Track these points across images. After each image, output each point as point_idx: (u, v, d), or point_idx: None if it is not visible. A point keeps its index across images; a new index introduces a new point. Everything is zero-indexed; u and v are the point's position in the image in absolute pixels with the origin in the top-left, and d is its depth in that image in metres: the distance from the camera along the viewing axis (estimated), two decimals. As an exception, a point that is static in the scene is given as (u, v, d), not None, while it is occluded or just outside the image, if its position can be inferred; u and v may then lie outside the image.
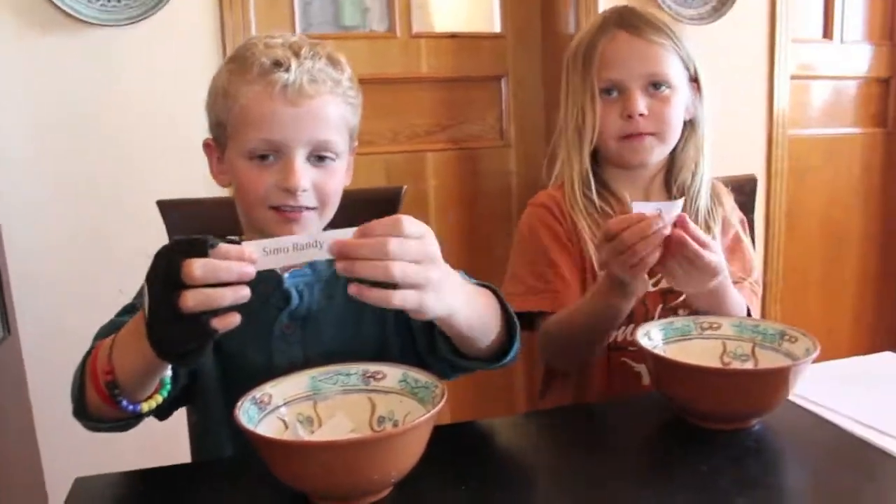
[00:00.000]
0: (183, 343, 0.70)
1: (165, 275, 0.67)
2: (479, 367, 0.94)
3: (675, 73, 1.21)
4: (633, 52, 1.19)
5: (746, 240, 1.33)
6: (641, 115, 1.19)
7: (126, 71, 1.83)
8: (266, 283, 1.00)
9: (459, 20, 2.29)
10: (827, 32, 2.63)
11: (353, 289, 0.71)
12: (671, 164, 1.29)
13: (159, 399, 0.85)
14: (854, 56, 2.69)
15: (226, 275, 0.68)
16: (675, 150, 1.28)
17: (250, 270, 0.69)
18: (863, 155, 2.75)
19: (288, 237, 0.73)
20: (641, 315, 1.20)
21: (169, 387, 0.86)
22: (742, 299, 1.15)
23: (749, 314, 1.18)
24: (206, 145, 1.03)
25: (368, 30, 2.21)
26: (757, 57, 2.40)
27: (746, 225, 1.38)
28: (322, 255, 0.71)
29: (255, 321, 0.98)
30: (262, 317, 0.99)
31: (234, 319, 0.70)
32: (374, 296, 0.70)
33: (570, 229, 1.24)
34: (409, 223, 0.72)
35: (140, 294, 0.94)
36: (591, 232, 1.21)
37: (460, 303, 0.81)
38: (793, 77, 2.49)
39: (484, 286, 0.95)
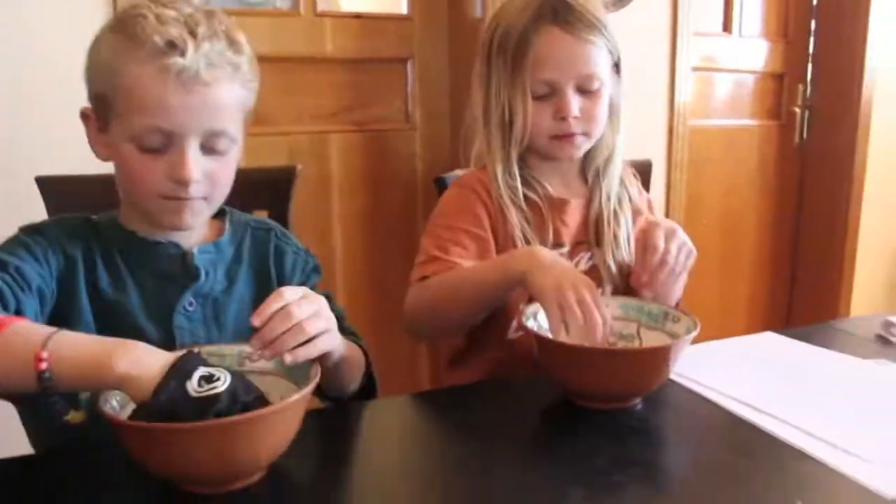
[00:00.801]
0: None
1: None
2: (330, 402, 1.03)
3: (604, 68, 1.19)
4: (569, 53, 1.16)
5: (655, 219, 1.34)
6: (574, 116, 1.18)
7: (3, 28, 1.71)
8: (170, 259, 0.97)
9: (365, 0, 2.25)
10: (726, 26, 2.70)
11: (288, 358, 0.78)
12: (592, 147, 1.28)
13: (81, 415, 0.82)
14: (752, 51, 2.78)
15: None
16: None
17: None
18: (759, 147, 2.85)
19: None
20: None
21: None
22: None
23: None
24: (83, 115, 0.95)
25: (272, 6, 2.15)
26: (660, 47, 2.44)
27: (653, 205, 1.40)
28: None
29: (157, 298, 0.95)
30: (163, 293, 0.95)
31: None
32: (303, 353, 0.79)
33: (497, 214, 1.22)
34: (288, 291, 0.80)
35: (14, 248, 0.90)
36: (518, 219, 1.20)
37: (345, 349, 0.91)
38: (694, 69, 2.55)
39: (356, 342, 1.02)
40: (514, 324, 1.21)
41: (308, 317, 0.79)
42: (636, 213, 1.32)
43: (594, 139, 1.24)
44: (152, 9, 0.87)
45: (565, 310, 0.93)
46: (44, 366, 0.71)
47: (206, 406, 0.69)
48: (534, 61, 1.16)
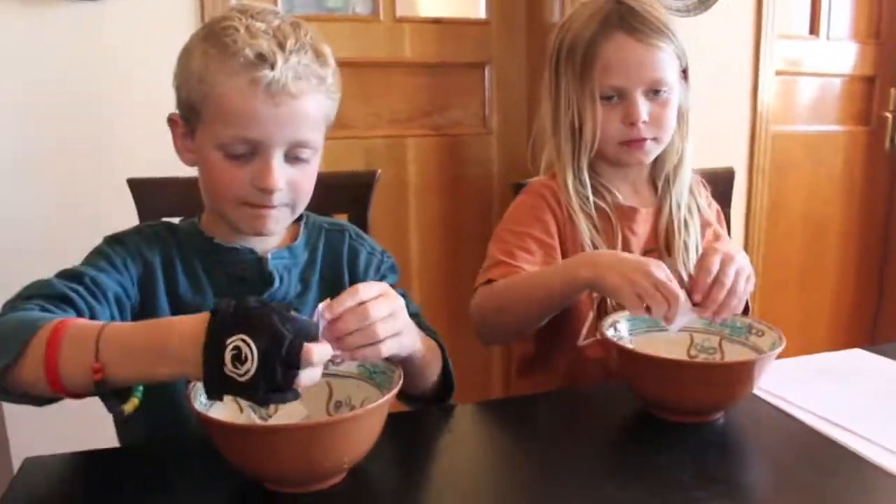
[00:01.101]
0: (272, 402, 0.71)
1: (288, 356, 0.68)
2: (409, 404, 1.02)
3: (672, 73, 1.19)
4: (636, 59, 1.17)
5: (723, 232, 1.32)
6: (644, 122, 1.18)
7: (102, 43, 1.79)
8: (246, 264, 0.99)
9: (444, 5, 2.27)
10: (813, 29, 2.62)
11: (350, 357, 0.78)
12: (660, 154, 1.28)
13: (136, 402, 0.80)
14: (839, 53, 2.69)
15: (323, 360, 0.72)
16: None
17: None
18: (845, 152, 2.75)
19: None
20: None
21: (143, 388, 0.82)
22: None
23: (747, 305, 1.18)
24: (171, 120, 0.98)
25: (352, 12, 2.19)
26: (742, 51, 2.39)
27: (722, 216, 1.38)
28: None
29: None
30: (238, 298, 0.97)
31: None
32: (367, 353, 0.77)
33: (566, 222, 1.22)
34: (364, 288, 0.77)
35: (94, 260, 0.94)
36: (587, 227, 1.21)
37: (421, 346, 0.90)
38: (778, 73, 2.48)
39: (432, 337, 1.01)
40: (584, 331, 1.21)
41: (383, 318, 0.77)
42: (705, 223, 1.30)
43: (663, 145, 1.24)
44: (242, 21, 0.89)
45: (644, 297, 0.92)
46: (99, 376, 0.73)
47: (247, 390, 0.68)
48: (602, 68, 1.17)
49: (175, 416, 0.96)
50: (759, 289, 2.56)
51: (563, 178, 1.23)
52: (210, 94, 0.89)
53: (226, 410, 0.78)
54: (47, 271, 1.72)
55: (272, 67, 0.87)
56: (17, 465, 1.77)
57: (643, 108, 1.17)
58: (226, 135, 0.89)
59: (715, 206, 1.36)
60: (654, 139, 1.21)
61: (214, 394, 0.70)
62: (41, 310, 0.82)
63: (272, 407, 0.82)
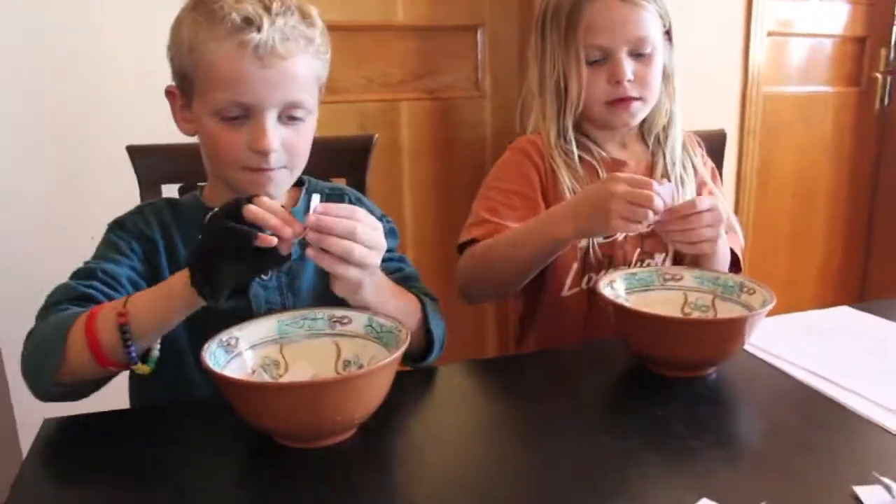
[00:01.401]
0: (257, 272, 0.81)
1: (226, 218, 0.77)
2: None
3: (655, 33, 1.21)
4: (621, 18, 1.18)
5: (717, 189, 1.35)
6: (629, 80, 1.19)
7: (96, 8, 1.78)
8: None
9: (437, -32, 2.25)
10: (805, -12, 2.62)
11: (310, 252, 0.80)
12: (646, 117, 1.30)
13: (148, 369, 0.87)
14: (831, 14, 2.69)
15: (277, 210, 0.79)
16: None
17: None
18: (835, 113, 2.77)
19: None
20: (620, 259, 1.23)
21: (157, 356, 0.89)
22: (726, 246, 1.19)
23: (735, 256, 1.23)
24: (168, 92, 1.00)
25: (344, -25, 2.17)
26: (734, 12, 2.39)
27: (717, 174, 1.40)
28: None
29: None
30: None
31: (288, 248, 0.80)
32: (328, 262, 0.80)
33: (548, 175, 1.24)
34: (365, 214, 0.82)
35: (103, 251, 0.98)
36: (570, 180, 1.22)
37: (382, 296, 0.91)
38: (769, 33, 2.49)
39: (419, 295, 1.02)
40: (568, 281, 1.24)
41: (364, 243, 0.80)
42: (700, 182, 1.32)
43: (649, 105, 1.25)
44: None
45: (630, 218, 0.96)
46: (123, 319, 0.81)
47: (208, 266, 0.78)
48: (586, 27, 1.19)
49: (185, 383, 0.99)
50: (749, 249, 2.59)
51: (547, 137, 1.25)
52: (200, 61, 0.91)
53: (238, 371, 0.81)
54: (55, 244, 1.75)
55: (259, 30, 0.88)
56: (21, 427, 1.82)
57: (628, 67, 1.19)
58: (219, 100, 0.91)
59: (710, 164, 1.39)
60: (640, 99, 1.22)
61: (203, 290, 0.79)
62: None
63: (283, 366, 0.85)
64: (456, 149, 2.28)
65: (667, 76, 1.27)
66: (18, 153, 1.79)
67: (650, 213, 0.96)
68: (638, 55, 1.20)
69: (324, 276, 1.01)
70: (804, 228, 2.81)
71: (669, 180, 1.25)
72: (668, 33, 1.26)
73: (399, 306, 0.95)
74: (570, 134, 1.25)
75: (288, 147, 0.95)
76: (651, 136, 1.31)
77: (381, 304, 0.90)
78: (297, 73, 0.92)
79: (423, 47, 2.21)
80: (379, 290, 0.90)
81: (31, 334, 0.88)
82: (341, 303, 0.90)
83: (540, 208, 1.22)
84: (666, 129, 1.30)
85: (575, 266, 1.23)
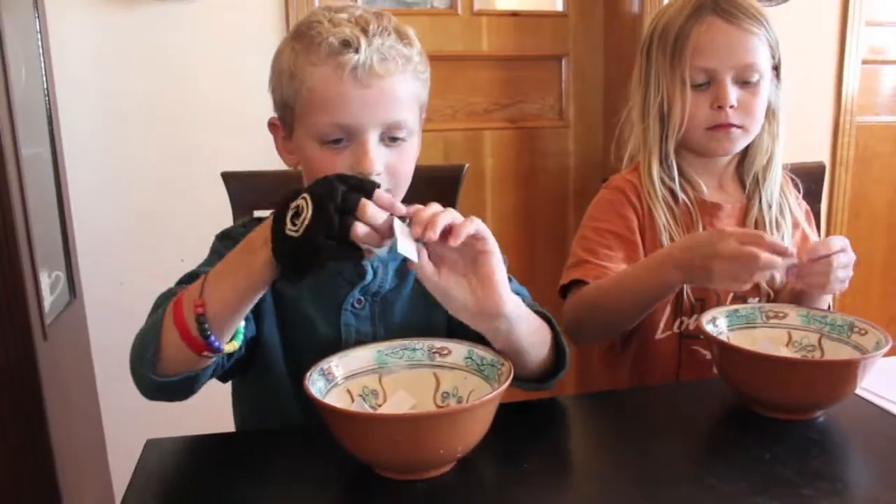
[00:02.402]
0: (332, 258, 0.75)
1: (343, 202, 0.74)
2: (521, 386, 0.95)
3: (764, 62, 1.18)
4: (728, 41, 1.16)
5: (811, 232, 1.31)
6: (732, 106, 1.17)
7: (189, 45, 1.86)
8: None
9: (522, -2, 2.27)
10: (901, 15, 2.54)
11: (429, 234, 0.76)
12: (745, 152, 1.27)
13: (236, 345, 0.86)
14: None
15: (383, 224, 0.75)
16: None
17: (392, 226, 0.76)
18: (932, 144, 2.66)
19: (406, 227, 0.78)
20: (713, 302, 1.19)
21: (243, 334, 0.87)
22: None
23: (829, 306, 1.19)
24: (271, 124, 1.01)
25: (430, 6, 2.21)
26: (828, 40, 2.34)
27: (811, 216, 1.35)
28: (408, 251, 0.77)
29: (326, 293, 1.00)
30: (333, 290, 1.00)
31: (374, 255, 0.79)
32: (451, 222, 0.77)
33: (645, 217, 1.22)
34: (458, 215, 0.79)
35: (209, 259, 0.98)
36: (666, 220, 1.20)
37: (520, 316, 0.86)
38: (864, 62, 2.41)
39: (541, 314, 0.96)
40: (661, 325, 1.22)
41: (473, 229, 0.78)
42: (794, 224, 1.28)
43: (751, 135, 1.22)
44: (326, 15, 0.92)
45: (735, 279, 0.95)
46: (201, 310, 0.79)
47: (305, 244, 0.73)
48: (693, 50, 1.17)
49: (281, 409, 1.00)
50: (841, 285, 2.50)
51: (648, 165, 1.23)
52: (300, 88, 0.91)
53: (338, 399, 0.82)
54: (153, 264, 1.81)
55: (356, 51, 0.88)
56: (110, 449, 1.87)
57: (732, 92, 1.17)
58: (320, 123, 0.91)
59: (804, 205, 1.35)
60: (741, 127, 1.19)
61: (281, 259, 0.76)
62: None
63: (381, 396, 0.85)
64: (539, 178, 2.27)
65: (771, 113, 1.24)
66: (115, 182, 1.88)
67: (755, 273, 0.93)
68: (744, 83, 1.18)
69: (417, 309, 1.03)
70: (899, 263, 2.70)
71: (766, 221, 1.24)
72: (776, 69, 1.22)
73: (536, 328, 0.92)
74: (672, 161, 1.23)
75: (391, 169, 0.94)
76: (749, 176, 1.27)
77: (520, 332, 0.86)
78: (397, 92, 0.92)
79: (508, 77, 2.22)
80: (518, 318, 0.85)
81: (136, 336, 0.88)
82: (436, 334, 0.90)
83: (638, 248, 1.21)
84: (765, 170, 1.26)
85: (668, 310, 1.21)
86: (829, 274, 0.98)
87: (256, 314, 0.97)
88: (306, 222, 0.73)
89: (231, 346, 0.85)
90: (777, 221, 1.26)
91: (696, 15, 1.18)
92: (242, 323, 0.86)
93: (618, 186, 1.26)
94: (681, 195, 1.23)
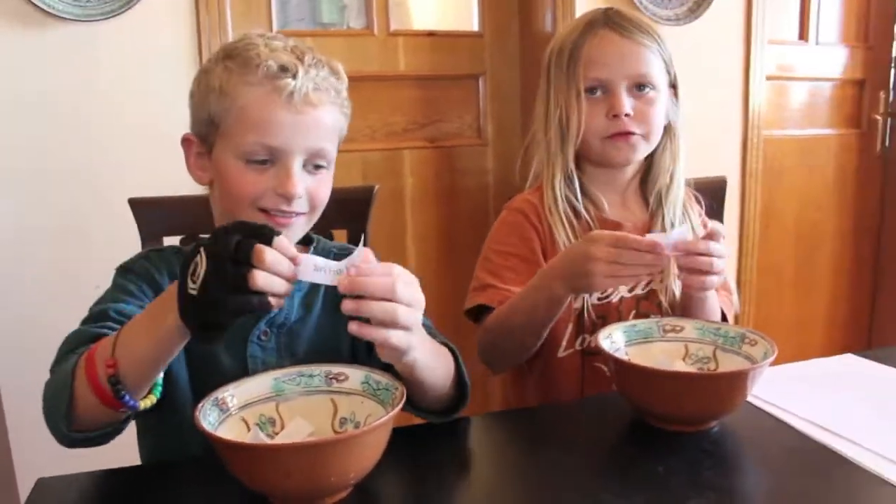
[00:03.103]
0: (234, 313, 0.71)
1: (236, 252, 0.70)
2: (422, 416, 0.97)
3: (658, 75, 1.22)
4: (620, 52, 1.19)
5: None
6: (627, 114, 1.19)
7: (101, 66, 1.82)
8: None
9: (437, 18, 2.30)
10: (802, 34, 2.66)
11: (353, 327, 0.76)
12: (647, 170, 1.30)
13: (153, 399, 0.85)
14: (829, 58, 2.72)
15: (284, 269, 0.72)
16: (651, 155, 1.29)
17: (297, 273, 0.74)
18: (837, 156, 2.78)
19: (319, 259, 0.76)
20: (615, 319, 1.21)
21: (160, 387, 0.86)
22: (717, 302, 1.18)
23: (724, 318, 1.22)
24: (185, 140, 1.01)
25: (346, 27, 2.22)
26: (733, 58, 2.42)
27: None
28: (327, 280, 0.76)
29: (231, 328, 0.99)
30: (238, 324, 0.98)
31: (280, 304, 0.74)
32: (375, 334, 0.76)
33: (546, 236, 1.24)
34: (400, 269, 0.78)
35: (112, 295, 0.95)
36: (567, 239, 1.21)
37: (425, 353, 0.85)
38: (768, 78, 2.51)
39: (444, 345, 0.97)
40: (564, 343, 1.23)
41: (407, 303, 0.76)
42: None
43: (651, 143, 1.24)
44: (262, 40, 0.96)
45: (616, 277, 0.98)
46: (112, 370, 0.78)
47: (206, 302, 0.71)
48: (586, 62, 1.20)
49: (181, 439, 0.98)
50: (753, 294, 2.59)
51: (551, 179, 1.25)
52: (231, 106, 0.93)
53: (233, 429, 0.80)
54: (59, 294, 1.76)
55: (294, 77, 0.92)
56: (21, 484, 1.80)
57: (627, 101, 1.19)
58: (248, 142, 0.92)
59: (709, 223, 1.37)
60: (641, 135, 1.21)
61: (186, 320, 0.73)
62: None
63: (279, 423, 0.84)
64: (459, 196, 2.29)
65: (671, 132, 1.27)
66: (21, 206, 1.81)
67: (638, 270, 0.97)
68: (638, 92, 1.21)
69: (322, 338, 1.03)
70: (809, 272, 2.80)
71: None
72: (673, 87, 1.26)
73: (440, 362, 0.92)
74: (573, 174, 1.24)
75: (310, 195, 0.97)
76: (652, 194, 1.29)
77: (427, 363, 0.86)
78: (325, 122, 0.95)
79: (426, 96, 2.24)
80: (422, 346, 0.85)
81: (47, 384, 0.87)
82: (342, 362, 0.90)
83: (533, 269, 1.20)
84: (667, 188, 1.28)
85: (570, 327, 1.23)
86: (704, 266, 1.00)
87: None
88: (201, 278, 0.71)
89: (148, 402, 0.84)
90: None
91: (589, 29, 1.21)
92: (160, 376, 0.85)
93: (518, 208, 1.27)
94: (582, 212, 1.24)
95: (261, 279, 0.70)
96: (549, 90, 1.26)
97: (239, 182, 0.94)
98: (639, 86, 1.20)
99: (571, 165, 1.25)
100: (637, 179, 1.31)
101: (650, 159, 1.29)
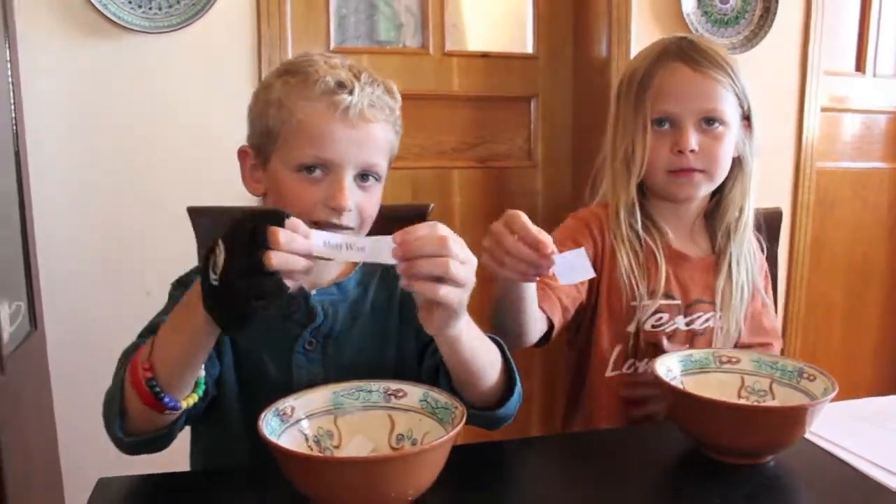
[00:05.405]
0: (255, 297, 0.72)
1: (252, 235, 0.71)
2: (475, 417, 0.91)
3: (729, 109, 1.19)
4: (690, 86, 1.17)
5: (768, 299, 1.32)
6: (692, 150, 1.17)
7: (164, 77, 1.87)
8: (292, 298, 1.02)
9: (492, 40, 2.31)
10: (859, 65, 2.62)
11: (404, 281, 0.76)
12: (716, 204, 1.28)
13: (195, 398, 0.86)
14: (886, 90, 2.68)
15: (299, 246, 0.73)
16: (721, 189, 1.26)
17: (312, 248, 0.75)
18: (891, 190, 2.73)
19: (341, 235, 0.77)
20: (662, 347, 1.21)
21: (203, 386, 0.88)
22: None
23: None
24: (241, 152, 1.04)
25: (402, 45, 2.24)
26: (788, 88, 2.40)
27: (769, 278, 1.37)
28: (360, 257, 0.77)
29: (278, 336, 1.00)
30: (284, 332, 1.00)
31: (300, 282, 0.75)
32: (426, 287, 0.75)
33: (605, 250, 1.22)
34: (445, 228, 0.78)
35: (168, 308, 0.97)
36: (629, 264, 1.20)
37: (471, 332, 0.85)
38: (823, 109, 2.48)
39: (492, 338, 0.95)
40: (611, 363, 1.23)
41: (458, 258, 0.75)
42: (754, 290, 1.29)
43: (714, 181, 1.22)
44: (321, 57, 0.99)
45: (495, 259, 0.90)
46: (149, 374, 0.80)
47: (227, 291, 0.72)
48: (655, 93, 1.18)
49: (230, 447, 1.00)
50: (802, 325, 2.55)
51: (615, 209, 1.23)
52: (289, 118, 0.96)
53: (293, 440, 0.82)
54: (111, 296, 1.79)
55: (350, 93, 0.94)
56: (67, 485, 1.84)
57: (693, 137, 1.17)
58: (304, 155, 0.95)
59: (766, 268, 1.36)
60: (704, 172, 1.19)
61: (211, 311, 0.74)
62: None
63: (336, 437, 0.85)
64: (507, 217, 2.29)
65: (742, 167, 1.24)
66: (81, 209, 1.86)
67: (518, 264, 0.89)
68: (707, 127, 1.18)
69: (368, 349, 1.04)
70: (859, 305, 2.75)
71: (732, 281, 1.24)
72: (747, 119, 1.23)
73: (485, 346, 0.91)
74: (636, 205, 1.22)
75: (360, 208, 0.98)
76: (719, 230, 1.27)
77: (471, 342, 0.85)
78: (378, 137, 0.98)
79: (477, 116, 2.25)
80: (469, 325, 0.85)
81: (106, 393, 0.88)
82: (387, 377, 0.91)
83: (593, 284, 1.20)
84: (737, 224, 1.25)
85: (619, 348, 1.22)
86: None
87: (219, 352, 0.98)
88: (220, 266, 0.72)
89: (190, 401, 0.86)
90: (743, 285, 1.25)
91: (661, 60, 1.19)
92: (202, 372, 0.87)
93: (583, 217, 1.26)
94: (646, 238, 1.22)
95: (276, 258, 0.71)
96: (618, 119, 1.25)
97: (293, 193, 0.97)
98: (707, 120, 1.18)
99: (634, 196, 1.23)
100: (703, 213, 1.29)
101: (719, 193, 1.27)
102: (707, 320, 1.24)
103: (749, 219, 1.26)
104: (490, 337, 0.96)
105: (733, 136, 1.20)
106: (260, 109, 1.00)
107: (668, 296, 1.22)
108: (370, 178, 0.99)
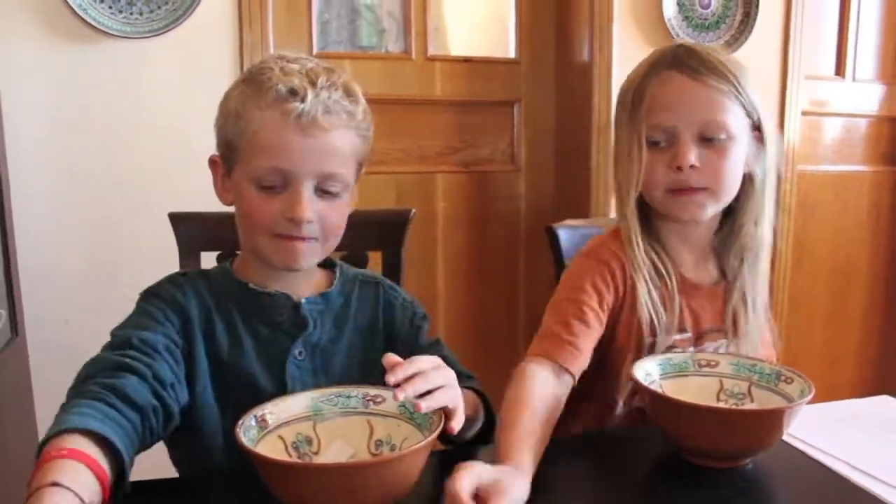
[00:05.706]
0: None
1: None
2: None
3: (734, 121, 1.05)
4: (687, 97, 1.05)
5: (768, 335, 1.26)
6: (692, 167, 1.05)
7: (145, 82, 1.86)
8: (280, 309, 1.01)
9: (475, 45, 2.32)
10: (839, 70, 2.65)
11: (401, 396, 0.80)
12: (730, 227, 1.16)
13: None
14: (865, 94, 2.71)
15: None
16: (733, 209, 1.15)
17: None
18: (871, 192, 2.76)
19: None
20: None
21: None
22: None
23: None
24: (212, 162, 1.02)
25: (384, 51, 2.25)
26: (769, 92, 2.42)
27: (770, 312, 1.29)
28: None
29: (268, 349, 1.00)
30: (275, 344, 1.00)
31: None
32: (425, 404, 0.80)
33: (628, 291, 1.12)
34: (422, 359, 0.83)
35: (136, 320, 0.96)
36: (649, 299, 1.10)
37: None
38: (804, 113, 2.51)
39: (469, 388, 0.99)
40: (620, 403, 1.17)
41: (439, 386, 0.82)
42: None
43: (721, 200, 1.10)
44: (278, 63, 0.95)
45: None
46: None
47: None
48: (649, 106, 1.07)
49: (210, 457, 0.98)
50: (785, 327, 2.57)
51: (628, 237, 1.13)
52: (245, 129, 0.93)
53: (271, 447, 0.81)
54: (93, 300, 1.78)
55: (302, 100, 0.91)
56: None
57: (692, 152, 1.05)
58: (259, 167, 0.93)
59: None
60: (707, 190, 1.07)
61: None
62: (101, 387, 0.82)
63: (315, 443, 0.85)
64: (490, 222, 2.30)
65: (753, 184, 1.12)
66: (62, 213, 1.86)
67: None
68: (708, 142, 1.05)
69: (355, 358, 1.04)
70: (841, 308, 2.78)
71: (748, 308, 1.16)
72: (758, 130, 1.10)
73: (472, 405, 0.96)
74: (638, 231, 1.12)
75: (322, 219, 0.96)
76: (732, 253, 1.16)
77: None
78: (337, 146, 0.95)
79: (460, 121, 2.26)
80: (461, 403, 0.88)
81: (61, 406, 0.83)
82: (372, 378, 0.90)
83: (601, 328, 1.10)
84: (755, 256, 1.15)
85: (629, 387, 1.16)
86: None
87: (189, 380, 0.96)
88: None
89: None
90: (759, 313, 1.18)
91: (654, 70, 1.08)
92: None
93: (601, 257, 1.13)
94: (662, 269, 1.13)
95: None
96: (617, 137, 1.14)
97: (252, 207, 0.95)
98: (709, 133, 1.05)
99: (635, 218, 1.12)
100: (711, 236, 1.18)
101: (731, 215, 1.15)
102: (717, 348, 1.17)
103: (765, 240, 1.16)
104: (468, 377, 1.01)
105: (741, 151, 1.08)
106: (223, 120, 0.98)
107: (681, 330, 1.14)
108: (332, 188, 0.96)
